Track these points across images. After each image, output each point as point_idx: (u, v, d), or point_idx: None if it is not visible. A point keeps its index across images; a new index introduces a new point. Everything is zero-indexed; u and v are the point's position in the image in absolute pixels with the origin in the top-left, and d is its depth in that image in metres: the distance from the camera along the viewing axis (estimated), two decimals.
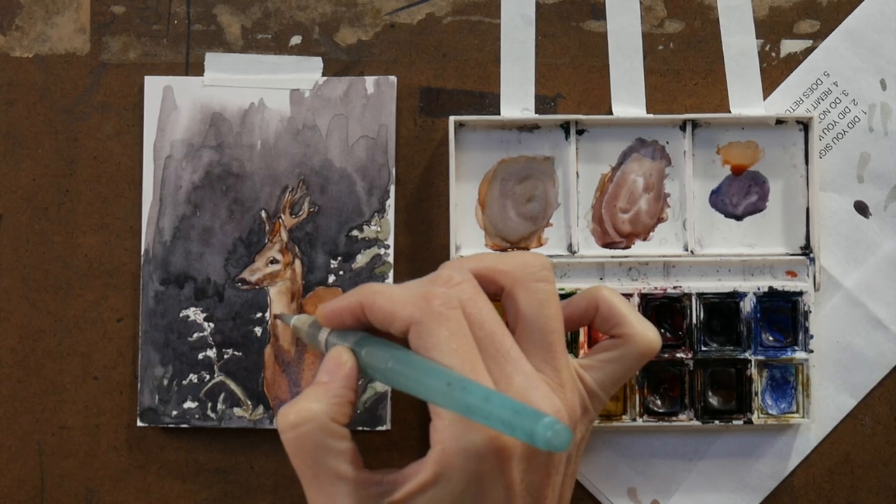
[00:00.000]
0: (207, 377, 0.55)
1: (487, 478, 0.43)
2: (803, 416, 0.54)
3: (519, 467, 0.43)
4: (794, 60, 0.56)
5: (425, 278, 0.46)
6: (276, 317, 0.55)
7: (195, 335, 0.55)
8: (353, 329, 0.47)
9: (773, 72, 0.56)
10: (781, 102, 0.56)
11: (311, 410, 0.44)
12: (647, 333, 0.49)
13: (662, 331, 0.55)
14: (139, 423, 0.55)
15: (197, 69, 0.56)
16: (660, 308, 0.55)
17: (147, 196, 0.56)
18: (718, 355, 0.54)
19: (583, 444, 0.49)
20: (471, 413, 0.40)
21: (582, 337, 0.54)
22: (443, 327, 0.43)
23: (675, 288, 0.55)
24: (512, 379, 0.44)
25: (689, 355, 0.54)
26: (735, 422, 0.54)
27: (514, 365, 0.44)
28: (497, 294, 0.47)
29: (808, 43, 0.57)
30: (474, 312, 0.44)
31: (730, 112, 0.56)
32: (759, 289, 0.54)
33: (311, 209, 0.56)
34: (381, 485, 0.45)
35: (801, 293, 0.54)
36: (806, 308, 0.54)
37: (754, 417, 0.54)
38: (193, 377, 0.55)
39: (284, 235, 0.56)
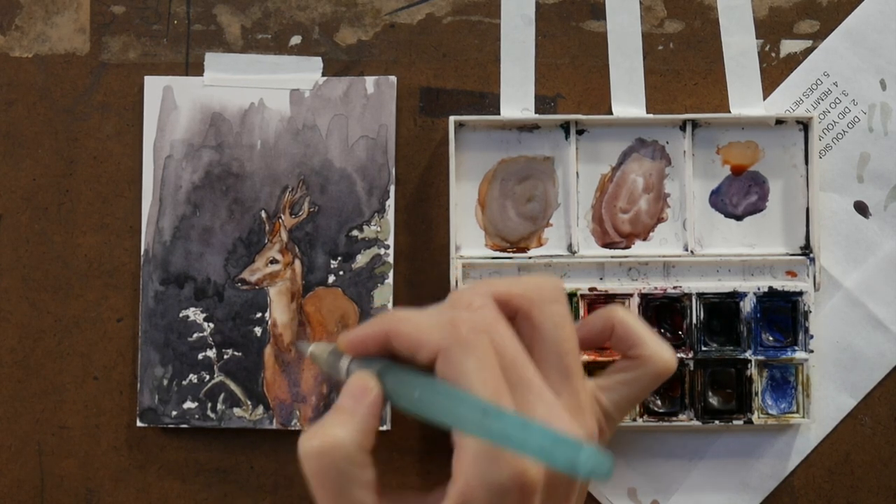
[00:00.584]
0: (207, 377, 0.55)
1: None
2: (803, 416, 0.54)
3: (539, 500, 0.43)
4: (794, 60, 0.56)
5: (445, 303, 0.45)
6: (292, 345, 0.55)
7: (195, 335, 0.55)
8: (376, 356, 0.46)
9: (773, 72, 0.56)
10: (781, 102, 0.56)
11: (336, 438, 0.43)
12: (664, 354, 0.48)
13: (662, 331, 0.55)
14: (139, 424, 0.55)
15: (197, 69, 0.56)
16: (660, 308, 0.55)
17: (147, 196, 0.56)
18: (718, 355, 0.54)
19: None
20: (507, 441, 0.39)
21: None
22: (471, 355, 0.42)
23: (675, 288, 0.55)
24: (535, 408, 0.43)
25: (690, 355, 0.54)
26: (735, 422, 0.54)
27: (535, 394, 0.43)
28: (510, 317, 0.46)
29: (808, 43, 0.57)
30: (497, 339, 0.43)
31: (730, 112, 0.56)
32: (759, 289, 0.54)
33: (311, 209, 0.56)
34: None
35: (801, 293, 0.54)
36: (806, 308, 0.54)
37: (754, 417, 0.54)
38: (193, 377, 0.55)
39: (284, 235, 0.56)
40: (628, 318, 0.49)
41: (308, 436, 0.43)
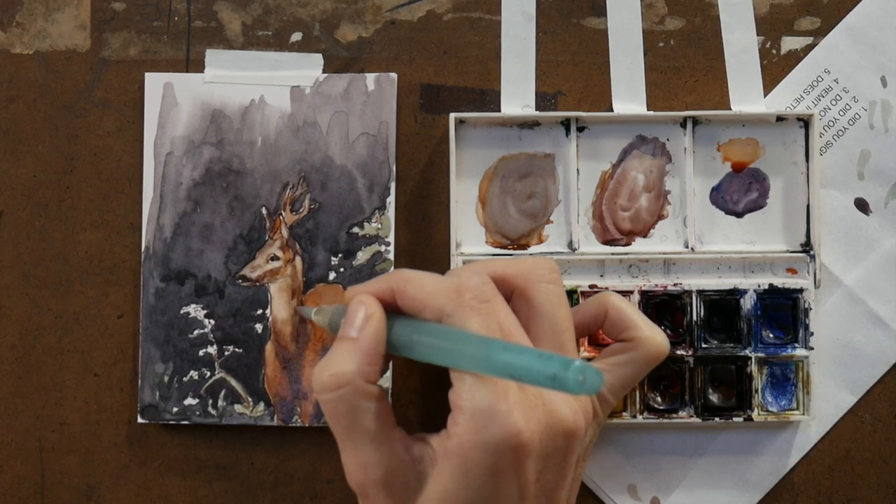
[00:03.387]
0: (208, 374, 0.55)
1: (503, 474, 0.43)
2: (803, 413, 0.54)
3: (535, 466, 0.43)
4: (795, 57, 0.56)
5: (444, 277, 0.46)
6: (295, 309, 0.55)
7: (196, 332, 0.55)
8: None
9: (774, 69, 0.56)
10: (782, 99, 0.56)
11: (344, 374, 0.44)
12: (656, 337, 0.49)
13: (663, 328, 0.55)
14: (140, 420, 0.55)
15: (197, 66, 0.56)
16: (660, 305, 0.55)
17: (147, 193, 0.56)
18: (719, 352, 0.54)
19: (590, 447, 0.49)
20: (500, 367, 0.40)
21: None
22: (474, 321, 0.43)
23: (675, 285, 0.55)
24: None
25: (690, 352, 0.54)
26: (735, 419, 0.54)
27: None
28: (506, 297, 0.47)
29: (809, 40, 0.56)
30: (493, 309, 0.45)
31: (730, 109, 0.56)
32: (759, 286, 0.54)
33: (312, 206, 0.56)
34: (411, 452, 0.45)
35: (801, 290, 0.54)
36: (806, 305, 0.54)
37: (754, 414, 0.54)
38: (194, 374, 0.55)
39: (285, 232, 0.56)
40: (621, 302, 0.50)
41: (318, 371, 0.45)
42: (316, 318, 0.50)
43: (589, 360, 0.53)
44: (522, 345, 0.42)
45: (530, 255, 0.55)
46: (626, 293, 0.54)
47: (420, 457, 0.45)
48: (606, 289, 0.54)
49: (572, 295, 0.54)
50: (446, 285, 0.44)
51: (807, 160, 0.56)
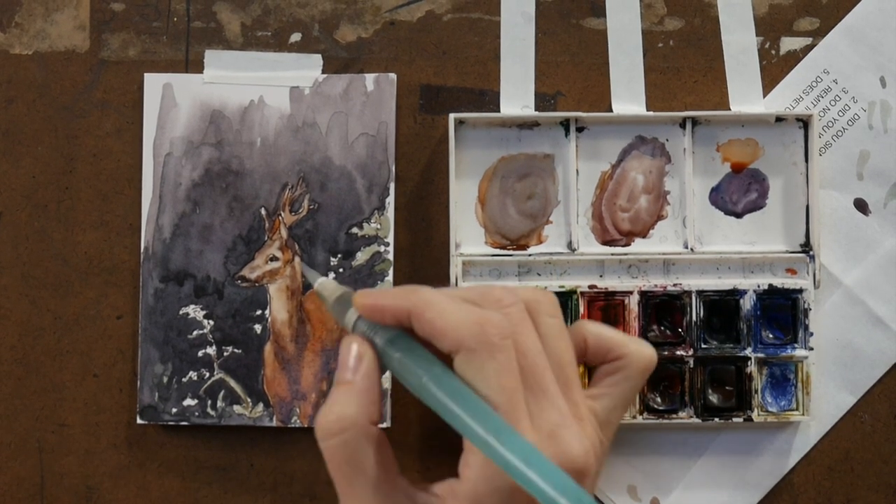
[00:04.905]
0: (207, 375, 0.55)
1: None
2: (803, 414, 0.54)
3: None
4: (794, 58, 0.56)
5: (475, 292, 0.45)
6: (300, 265, 0.54)
7: (195, 333, 0.55)
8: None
9: (773, 69, 0.56)
10: (781, 100, 0.56)
11: (348, 417, 0.43)
12: (644, 350, 0.49)
13: (662, 328, 0.55)
14: (139, 421, 0.55)
15: (197, 66, 0.56)
16: (660, 306, 0.55)
17: (147, 193, 0.56)
18: (718, 353, 0.54)
19: (597, 478, 0.49)
20: (507, 470, 0.39)
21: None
22: (494, 360, 0.42)
23: (675, 285, 0.55)
24: (547, 415, 0.43)
25: (689, 353, 0.54)
26: (735, 419, 0.54)
27: (550, 400, 0.43)
28: None
29: (808, 40, 0.57)
30: (521, 340, 0.43)
31: (730, 109, 0.56)
32: (759, 286, 0.54)
33: (311, 206, 0.56)
34: (414, 501, 0.44)
35: (800, 291, 0.54)
36: (806, 305, 0.54)
37: (754, 415, 0.54)
38: (193, 375, 0.55)
39: (284, 233, 0.56)
40: (597, 327, 0.49)
41: (322, 416, 0.44)
42: (318, 289, 0.48)
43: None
44: (528, 443, 0.40)
45: (529, 258, 0.55)
46: (625, 293, 0.54)
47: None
48: (606, 289, 0.54)
49: (572, 295, 0.54)
50: (469, 317, 0.43)
51: (806, 160, 0.56)
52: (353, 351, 0.45)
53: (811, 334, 0.54)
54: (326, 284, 0.48)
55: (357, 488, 0.44)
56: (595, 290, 0.54)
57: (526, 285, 0.54)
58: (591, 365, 0.50)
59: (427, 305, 0.44)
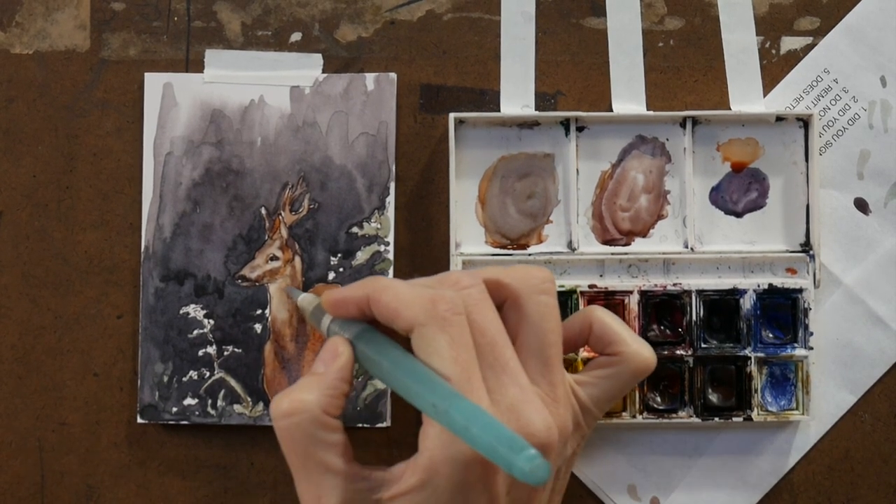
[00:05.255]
0: (207, 374, 0.55)
1: (473, 488, 0.42)
2: (803, 413, 0.54)
3: (505, 481, 0.43)
4: (795, 57, 0.56)
5: (434, 278, 0.46)
6: (284, 289, 0.55)
7: (195, 332, 0.55)
8: (356, 319, 0.47)
9: (774, 69, 0.56)
10: (781, 99, 0.56)
11: (303, 401, 0.44)
12: (643, 352, 0.49)
13: (662, 327, 0.55)
14: (139, 420, 0.55)
15: (197, 66, 0.56)
16: (660, 305, 0.55)
17: (147, 193, 0.56)
18: (718, 352, 0.54)
19: (574, 458, 0.49)
20: (453, 428, 0.40)
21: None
22: (445, 333, 0.43)
23: (675, 285, 0.55)
24: (507, 390, 0.43)
25: (689, 352, 0.54)
26: (735, 419, 0.54)
27: (510, 376, 0.44)
28: (498, 304, 0.46)
29: (809, 40, 0.56)
30: (478, 319, 0.44)
31: (730, 109, 0.56)
32: (758, 286, 0.54)
33: (311, 206, 0.56)
34: (369, 480, 0.45)
35: (800, 290, 0.54)
36: (806, 305, 0.54)
37: (754, 414, 0.54)
38: (193, 374, 0.55)
39: (284, 232, 0.56)
40: (605, 316, 0.50)
41: (278, 399, 0.45)
42: (300, 305, 0.50)
43: (587, 361, 0.53)
44: (475, 405, 0.41)
45: (529, 257, 0.55)
46: (625, 293, 0.54)
47: (379, 484, 0.44)
48: (606, 289, 0.54)
49: (572, 295, 0.54)
50: (421, 294, 0.44)
51: (806, 160, 0.56)
52: (330, 348, 0.46)
53: (811, 334, 0.54)
54: (305, 298, 0.50)
55: (310, 470, 0.45)
56: (595, 289, 0.54)
57: None
58: (593, 351, 0.51)
59: (383, 289, 0.45)
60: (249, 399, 0.55)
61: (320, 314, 0.48)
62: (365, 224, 0.55)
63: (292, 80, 0.56)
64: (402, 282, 0.46)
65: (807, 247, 0.55)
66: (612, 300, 0.54)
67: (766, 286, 0.54)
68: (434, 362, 0.43)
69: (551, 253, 0.55)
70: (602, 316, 0.50)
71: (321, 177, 0.56)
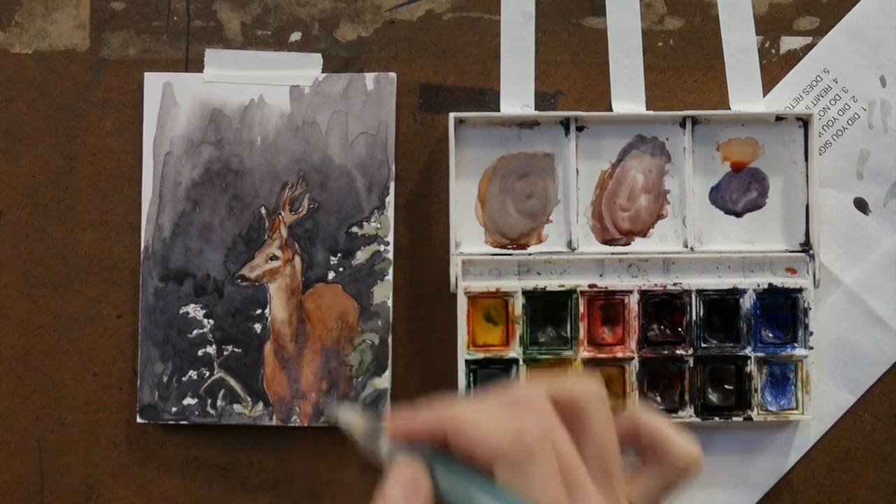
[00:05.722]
0: (207, 374, 0.55)
1: None
2: (803, 413, 0.54)
3: None
4: (794, 57, 0.56)
5: (502, 397, 0.44)
6: (321, 404, 0.54)
7: (195, 332, 0.55)
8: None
9: (773, 68, 0.56)
10: (781, 99, 0.56)
11: None
12: (687, 449, 0.48)
13: (662, 327, 0.55)
14: (139, 420, 0.55)
15: (196, 65, 0.56)
16: (659, 305, 0.55)
17: (147, 193, 0.56)
18: (718, 352, 0.54)
19: None
20: None
21: (582, 333, 0.54)
22: (538, 466, 0.42)
23: (674, 285, 0.55)
24: None
25: (689, 352, 0.54)
26: (735, 418, 0.54)
27: (587, 498, 0.44)
28: (561, 418, 0.46)
29: (808, 40, 0.57)
30: (556, 443, 0.43)
31: (730, 109, 0.56)
32: (758, 285, 0.54)
33: (311, 206, 0.56)
34: None
35: (800, 290, 0.54)
36: (806, 305, 0.54)
37: (754, 414, 0.54)
38: (193, 374, 0.55)
39: (284, 232, 0.56)
40: (653, 422, 0.48)
41: None
42: (348, 424, 0.43)
43: (590, 359, 0.52)
44: None
45: (529, 257, 0.55)
46: (625, 293, 0.54)
47: None
48: (606, 289, 0.54)
49: (572, 295, 0.54)
50: (506, 425, 0.42)
51: (806, 160, 0.55)
52: (409, 478, 0.42)
53: (811, 333, 0.54)
54: (352, 417, 0.44)
55: None
56: (595, 289, 0.54)
57: (525, 284, 0.54)
58: (641, 455, 0.50)
59: (464, 421, 0.43)
60: (249, 399, 0.55)
61: (376, 434, 0.43)
62: (365, 224, 0.55)
63: (292, 80, 0.56)
64: (478, 407, 0.44)
65: (806, 246, 0.55)
66: (612, 300, 0.54)
67: (765, 286, 0.54)
68: (528, 496, 0.42)
69: (551, 253, 0.55)
70: (649, 422, 0.49)
71: (321, 176, 0.56)
